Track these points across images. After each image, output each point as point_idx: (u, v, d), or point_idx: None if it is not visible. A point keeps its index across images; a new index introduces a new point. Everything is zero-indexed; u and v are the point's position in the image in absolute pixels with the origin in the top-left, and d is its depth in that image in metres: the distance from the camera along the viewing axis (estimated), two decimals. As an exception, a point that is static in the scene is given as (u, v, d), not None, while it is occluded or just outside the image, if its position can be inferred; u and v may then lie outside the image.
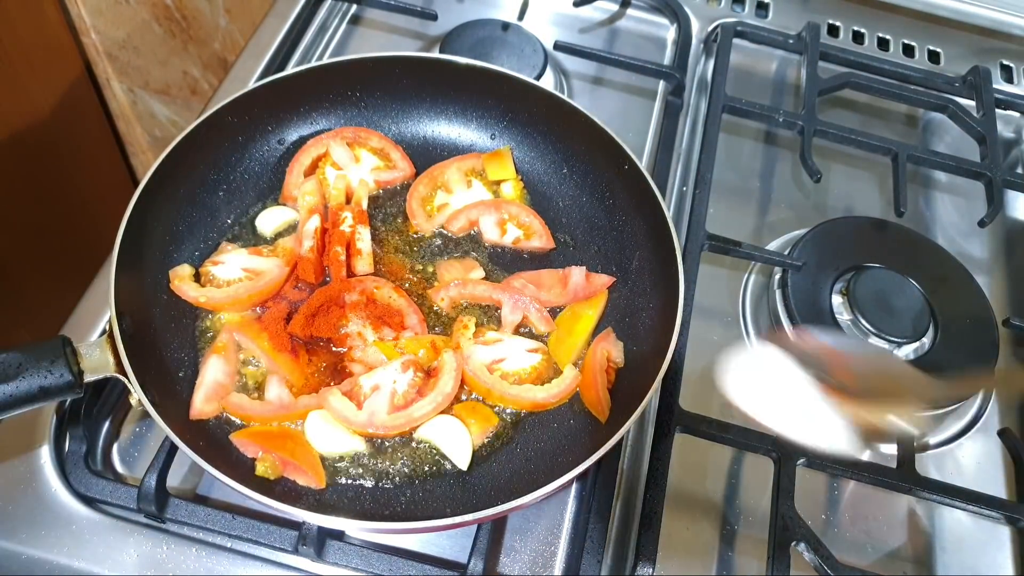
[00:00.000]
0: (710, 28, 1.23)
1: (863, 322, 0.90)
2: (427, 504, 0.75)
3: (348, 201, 0.91)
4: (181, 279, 0.82)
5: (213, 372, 0.78)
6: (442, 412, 0.78)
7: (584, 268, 0.87)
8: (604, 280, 0.88)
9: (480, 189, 0.95)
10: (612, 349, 0.83)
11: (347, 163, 0.93)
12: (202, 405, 0.76)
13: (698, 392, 0.88)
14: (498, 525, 0.77)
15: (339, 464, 0.76)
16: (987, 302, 0.95)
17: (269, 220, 0.90)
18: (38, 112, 1.24)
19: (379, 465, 0.76)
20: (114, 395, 0.82)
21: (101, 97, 1.38)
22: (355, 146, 0.94)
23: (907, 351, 0.90)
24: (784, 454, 0.80)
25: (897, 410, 0.58)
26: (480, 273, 0.89)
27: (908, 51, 1.27)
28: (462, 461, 0.76)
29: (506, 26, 1.13)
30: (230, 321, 0.83)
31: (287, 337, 0.80)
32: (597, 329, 0.86)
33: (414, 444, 0.78)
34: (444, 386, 0.78)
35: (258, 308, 0.84)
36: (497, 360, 0.82)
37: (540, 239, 0.92)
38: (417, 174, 0.96)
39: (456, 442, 0.77)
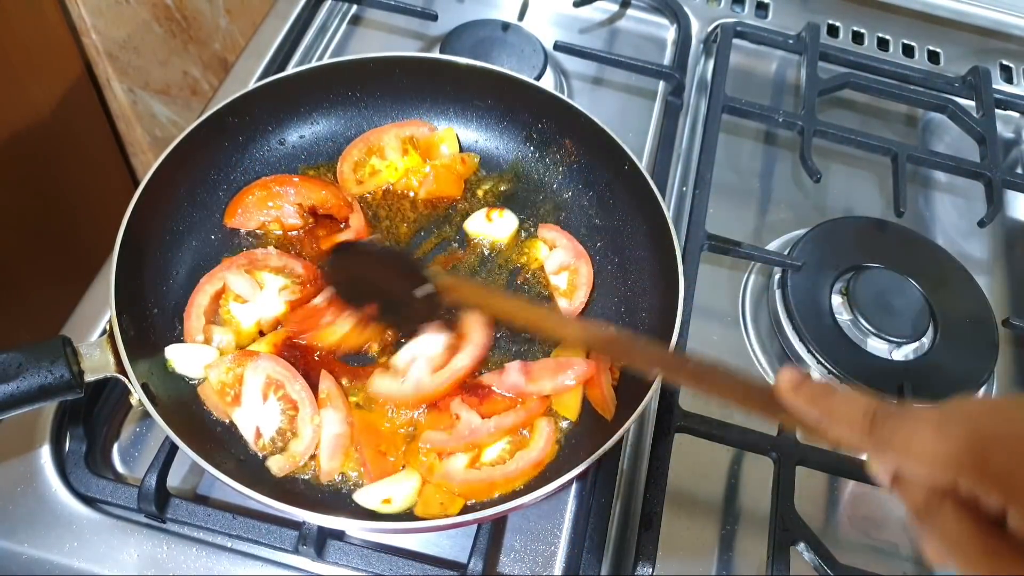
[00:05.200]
0: (710, 28, 1.24)
1: (863, 322, 0.90)
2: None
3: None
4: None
5: (330, 427, 0.75)
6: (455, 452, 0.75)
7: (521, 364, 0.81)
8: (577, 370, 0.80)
9: (416, 158, 0.95)
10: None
11: (250, 292, 0.83)
12: (329, 464, 0.74)
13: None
14: (498, 525, 0.77)
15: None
16: (987, 302, 0.95)
17: (187, 360, 0.78)
18: (38, 112, 1.24)
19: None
20: (114, 395, 0.82)
21: (101, 97, 1.38)
22: (253, 271, 0.84)
23: (907, 351, 0.90)
24: (784, 454, 0.80)
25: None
26: None
27: (908, 51, 1.27)
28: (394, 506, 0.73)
29: (506, 26, 1.13)
30: (328, 372, 0.79)
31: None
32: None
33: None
34: (477, 339, 0.80)
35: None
36: (474, 457, 0.77)
37: None
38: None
39: (399, 494, 0.74)
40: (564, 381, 0.80)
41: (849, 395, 0.48)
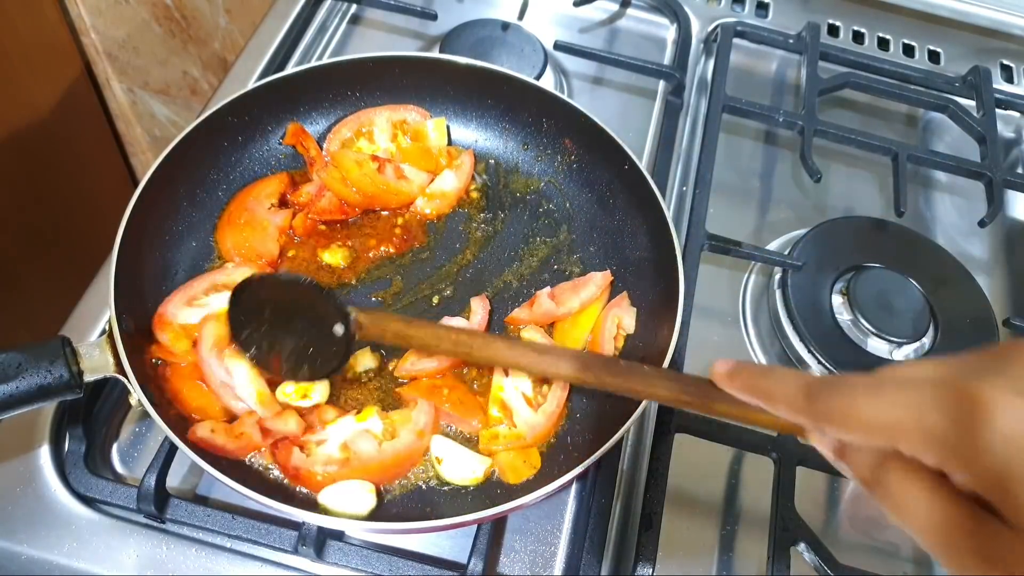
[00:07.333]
0: (710, 28, 1.23)
1: (863, 322, 0.90)
2: (427, 504, 0.75)
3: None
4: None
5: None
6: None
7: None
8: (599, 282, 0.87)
9: (405, 144, 0.95)
10: (624, 315, 0.84)
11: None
12: None
13: (698, 392, 0.88)
14: (498, 525, 0.77)
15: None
16: (987, 302, 0.95)
17: (345, 500, 0.73)
18: (38, 112, 1.24)
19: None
20: (114, 395, 0.82)
21: (101, 97, 1.38)
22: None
23: (907, 351, 0.90)
24: (784, 454, 0.80)
25: None
26: None
27: (908, 51, 1.27)
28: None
29: (506, 26, 1.13)
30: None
31: None
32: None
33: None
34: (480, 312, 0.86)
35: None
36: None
37: None
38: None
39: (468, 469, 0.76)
40: (587, 295, 0.85)
41: (784, 373, 0.47)
